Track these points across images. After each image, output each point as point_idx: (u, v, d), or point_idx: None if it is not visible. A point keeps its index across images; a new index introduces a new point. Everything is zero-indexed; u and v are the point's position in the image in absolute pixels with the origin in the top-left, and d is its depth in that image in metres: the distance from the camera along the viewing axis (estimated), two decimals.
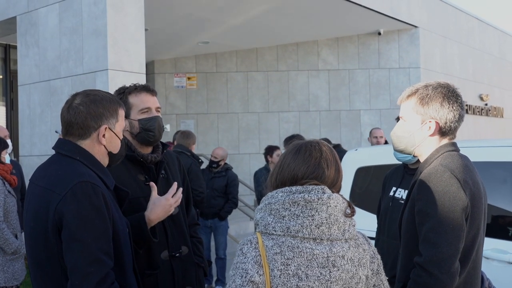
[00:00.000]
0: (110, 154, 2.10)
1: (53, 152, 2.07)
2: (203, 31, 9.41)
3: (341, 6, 8.62)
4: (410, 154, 2.29)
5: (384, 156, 4.17)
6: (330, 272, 1.68)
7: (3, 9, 7.35)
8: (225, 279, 6.63)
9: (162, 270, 2.53)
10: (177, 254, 2.60)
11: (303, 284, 1.65)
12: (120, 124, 2.10)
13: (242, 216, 9.29)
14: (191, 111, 11.20)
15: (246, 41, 10.51)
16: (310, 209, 1.69)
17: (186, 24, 8.92)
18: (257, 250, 1.67)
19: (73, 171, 1.93)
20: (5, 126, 8.06)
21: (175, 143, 6.35)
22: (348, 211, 1.76)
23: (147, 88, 2.64)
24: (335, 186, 1.80)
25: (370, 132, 7.49)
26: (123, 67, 6.02)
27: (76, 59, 6.26)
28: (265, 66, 11.07)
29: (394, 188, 3.14)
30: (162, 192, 2.51)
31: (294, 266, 1.66)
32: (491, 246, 3.15)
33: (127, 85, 2.69)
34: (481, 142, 4.09)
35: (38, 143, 6.75)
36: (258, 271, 1.65)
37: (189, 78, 11.21)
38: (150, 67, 11.04)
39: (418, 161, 2.74)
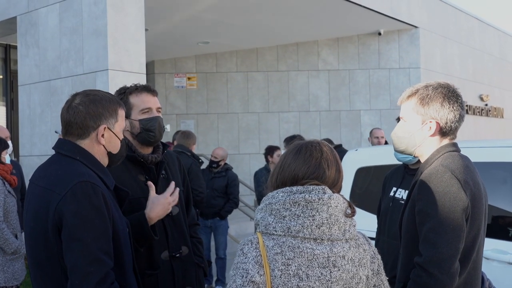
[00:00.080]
0: (110, 154, 2.10)
1: (53, 152, 2.07)
2: (203, 31, 9.41)
3: (341, 6, 8.62)
4: (411, 155, 2.29)
5: (384, 157, 4.17)
6: (330, 272, 1.68)
7: (3, 9, 7.35)
8: (225, 279, 6.63)
9: (162, 270, 2.53)
10: (177, 254, 2.60)
11: (303, 284, 1.65)
12: (119, 124, 2.10)
13: (242, 216, 9.29)
14: (191, 111, 11.20)
15: (246, 41, 10.51)
16: (311, 209, 1.69)
17: (186, 24, 8.92)
18: (257, 250, 1.67)
19: (73, 171, 1.93)
20: (5, 126, 8.06)
21: (175, 143, 6.35)
22: (349, 211, 1.76)
23: (148, 88, 2.64)
24: (335, 187, 1.80)
25: (371, 132, 7.47)
26: (123, 67, 6.02)
27: (76, 59, 6.26)
28: (265, 66, 11.08)
29: (394, 189, 3.14)
30: (162, 192, 2.51)
31: (295, 266, 1.66)
32: (491, 246, 3.15)
33: (128, 85, 2.69)
34: (481, 143, 4.09)
35: (38, 143, 6.75)
36: (258, 271, 1.65)
37: (189, 78, 11.22)
38: (150, 67, 11.04)
39: (418, 161, 2.74)
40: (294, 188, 1.73)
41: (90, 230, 1.83)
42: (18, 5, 7.07)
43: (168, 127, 9.36)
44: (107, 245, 1.87)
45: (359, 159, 4.59)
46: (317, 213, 1.69)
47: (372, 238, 2.74)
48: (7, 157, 4.49)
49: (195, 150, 6.34)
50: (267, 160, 7.12)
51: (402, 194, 3.07)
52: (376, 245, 3.07)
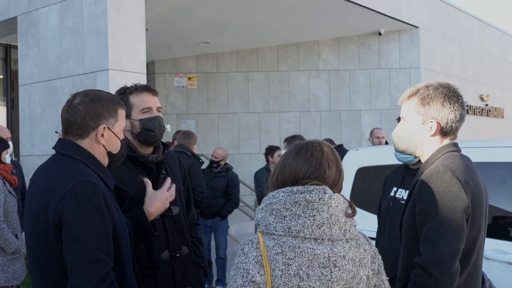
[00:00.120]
0: (110, 154, 2.09)
1: (54, 152, 2.07)
2: (204, 31, 9.41)
3: (342, 6, 8.62)
4: (412, 155, 2.29)
5: (384, 157, 4.17)
6: (331, 272, 1.68)
7: (3, 9, 7.35)
8: (225, 279, 6.63)
9: (163, 270, 2.53)
10: (178, 254, 2.60)
11: (304, 284, 1.65)
12: (119, 124, 2.10)
13: (242, 216, 9.29)
14: (192, 111, 11.20)
15: (247, 41, 10.51)
16: (311, 209, 1.69)
17: (186, 24, 8.92)
18: (258, 250, 1.67)
19: (73, 171, 1.93)
20: (5, 126, 8.07)
21: (175, 143, 6.35)
22: (349, 211, 1.76)
23: (148, 88, 2.64)
24: (336, 186, 1.80)
25: (372, 132, 7.45)
26: (123, 67, 6.02)
27: (77, 59, 6.26)
28: (265, 66, 11.07)
29: (395, 189, 3.14)
30: None
31: (295, 266, 1.66)
32: (491, 246, 3.15)
33: (128, 85, 2.69)
34: (481, 143, 4.09)
35: (38, 143, 6.75)
36: (259, 271, 1.65)
37: (189, 78, 11.22)
38: (150, 67, 11.04)
39: (419, 161, 2.74)
40: (295, 188, 1.73)
41: (90, 229, 1.83)
42: (18, 5, 7.08)
43: (168, 127, 9.34)
44: (107, 245, 1.87)
45: (360, 159, 4.59)
46: (318, 213, 1.69)
47: (372, 238, 2.74)
48: (7, 157, 4.49)
49: (196, 150, 6.35)
50: (267, 160, 7.12)
51: (402, 194, 3.07)
52: (376, 245, 3.07)
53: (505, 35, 14.39)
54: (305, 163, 1.77)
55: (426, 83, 2.22)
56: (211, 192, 6.54)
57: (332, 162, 1.79)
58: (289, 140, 6.28)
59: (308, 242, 1.68)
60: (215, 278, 6.75)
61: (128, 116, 2.51)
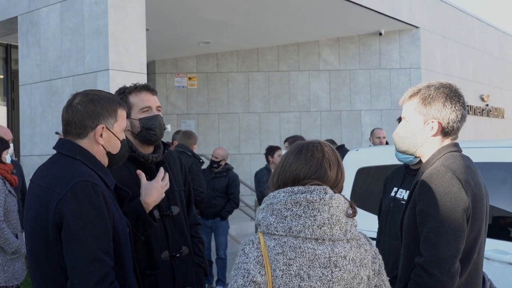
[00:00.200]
0: (109, 154, 2.09)
1: (54, 152, 2.07)
2: (204, 31, 9.41)
3: (342, 7, 8.62)
4: (413, 155, 2.29)
5: (385, 157, 4.17)
6: (332, 272, 1.68)
7: (4, 9, 7.35)
8: (225, 279, 6.63)
9: (163, 270, 2.53)
10: (178, 254, 2.60)
11: (305, 284, 1.65)
12: (119, 124, 2.09)
13: (242, 216, 9.28)
14: (192, 111, 11.20)
15: (247, 41, 10.51)
16: (312, 209, 1.69)
17: (187, 24, 8.92)
18: (259, 250, 1.67)
19: (73, 171, 1.93)
20: (6, 126, 8.07)
21: (175, 143, 6.35)
22: (350, 211, 1.76)
23: (147, 88, 2.64)
24: (337, 187, 1.79)
25: (373, 133, 7.44)
26: (124, 67, 6.02)
27: (77, 59, 6.26)
28: (266, 66, 11.07)
29: (395, 189, 3.14)
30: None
31: (296, 266, 1.66)
32: (491, 247, 3.14)
33: (128, 85, 2.69)
34: (481, 143, 4.09)
35: (39, 143, 6.75)
36: (260, 271, 1.65)
37: (190, 78, 11.22)
38: (151, 67, 11.04)
39: (419, 161, 2.74)
40: (296, 188, 1.73)
41: (90, 229, 1.83)
42: (19, 5, 7.08)
43: (169, 127, 9.35)
44: (107, 244, 1.87)
45: (360, 159, 4.58)
46: (319, 213, 1.69)
47: (373, 239, 2.74)
48: (7, 157, 4.49)
49: (196, 150, 6.34)
50: (267, 160, 7.12)
51: (403, 194, 3.07)
52: (377, 246, 3.06)
53: (505, 35, 14.38)
54: (306, 164, 1.77)
55: (428, 83, 2.22)
56: (211, 192, 6.54)
57: (333, 163, 1.79)
58: (290, 140, 6.28)
59: (309, 242, 1.68)
60: (215, 278, 6.74)
61: (127, 116, 2.50)
